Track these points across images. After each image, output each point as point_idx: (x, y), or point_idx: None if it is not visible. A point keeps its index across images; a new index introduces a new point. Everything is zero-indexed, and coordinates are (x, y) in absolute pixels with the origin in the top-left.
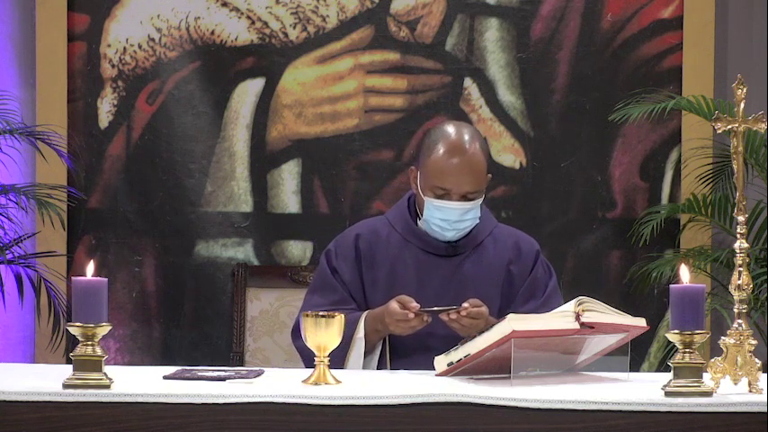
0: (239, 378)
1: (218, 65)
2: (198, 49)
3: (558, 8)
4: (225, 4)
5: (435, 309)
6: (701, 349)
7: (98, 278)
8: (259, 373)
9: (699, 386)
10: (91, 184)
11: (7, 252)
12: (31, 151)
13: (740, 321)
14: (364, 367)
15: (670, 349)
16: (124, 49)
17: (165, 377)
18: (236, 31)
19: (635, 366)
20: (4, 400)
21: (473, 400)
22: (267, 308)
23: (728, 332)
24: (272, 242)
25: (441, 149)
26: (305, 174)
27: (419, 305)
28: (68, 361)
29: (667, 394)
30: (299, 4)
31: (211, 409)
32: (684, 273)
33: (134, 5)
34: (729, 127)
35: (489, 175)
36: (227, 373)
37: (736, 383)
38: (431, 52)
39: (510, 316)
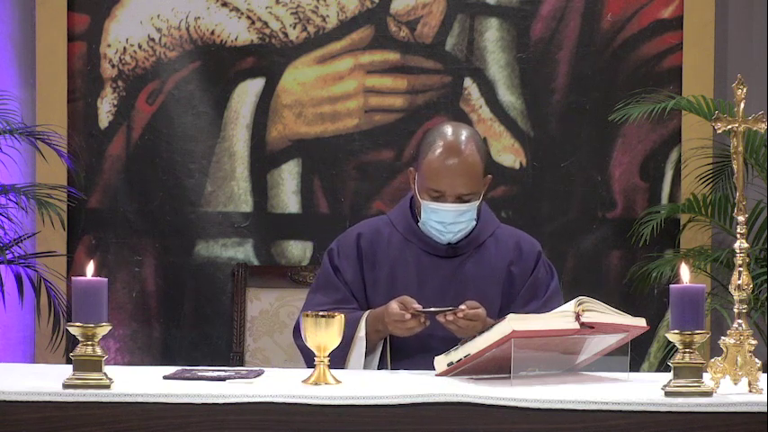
0: (239, 378)
1: (218, 65)
2: (198, 49)
3: (558, 8)
4: (225, 4)
5: (432, 309)
6: (701, 349)
7: (98, 278)
8: (259, 373)
9: (699, 386)
10: (91, 184)
11: (7, 252)
12: (31, 151)
13: (740, 321)
14: (365, 367)
15: (670, 349)
16: (124, 49)
17: (165, 377)
18: (236, 31)
19: (635, 366)
20: (4, 400)
21: (473, 400)
22: (267, 308)
23: (728, 332)
24: (272, 242)
25: (436, 151)
26: (305, 174)
27: (421, 306)
28: (68, 361)
29: (667, 394)
30: (298, 4)
31: (211, 409)
32: (684, 272)
33: (134, 5)
34: (729, 127)
35: (489, 176)
36: (227, 373)
37: (736, 383)
38: (431, 52)
39: (510, 316)
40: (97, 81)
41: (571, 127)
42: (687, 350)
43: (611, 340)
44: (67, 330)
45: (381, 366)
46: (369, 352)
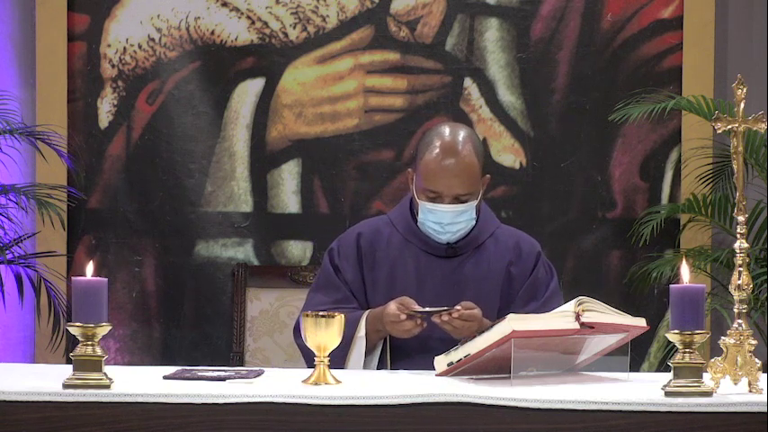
0: (239, 378)
1: (218, 65)
2: (198, 49)
3: (558, 8)
4: (225, 4)
5: (428, 310)
6: (701, 349)
7: (98, 278)
8: (259, 373)
9: (699, 386)
10: (91, 184)
11: (7, 252)
12: (31, 151)
13: (740, 321)
14: (365, 367)
15: (670, 349)
16: (124, 49)
17: (165, 377)
18: (236, 31)
19: (635, 366)
20: (4, 400)
21: (473, 400)
22: (267, 308)
23: (728, 332)
24: (272, 242)
25: (432, 152)
26: (305, 174)
27: (420, 307)
28: (68, 361)
29: (667, 394)
30: (298, 4)
31: (211, 409)
32: (685, 271)
33: (134, 5)
34: (729, 127)
35: (488, 176)
36: (227, 373)
37: (736, 383)
38: (431, 52)
39: (510, 316)
40: (97, 81)
41: (571, 127)
42: (687, 350)
43: (611, 340)
44: (67, 330)
45: (381, 366)
46: (368, 352)
